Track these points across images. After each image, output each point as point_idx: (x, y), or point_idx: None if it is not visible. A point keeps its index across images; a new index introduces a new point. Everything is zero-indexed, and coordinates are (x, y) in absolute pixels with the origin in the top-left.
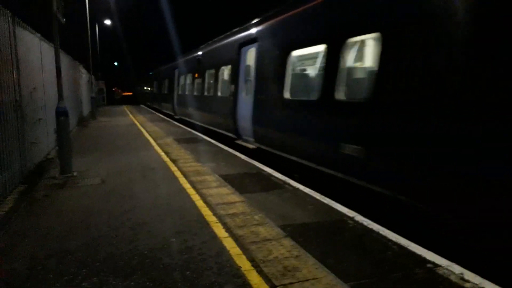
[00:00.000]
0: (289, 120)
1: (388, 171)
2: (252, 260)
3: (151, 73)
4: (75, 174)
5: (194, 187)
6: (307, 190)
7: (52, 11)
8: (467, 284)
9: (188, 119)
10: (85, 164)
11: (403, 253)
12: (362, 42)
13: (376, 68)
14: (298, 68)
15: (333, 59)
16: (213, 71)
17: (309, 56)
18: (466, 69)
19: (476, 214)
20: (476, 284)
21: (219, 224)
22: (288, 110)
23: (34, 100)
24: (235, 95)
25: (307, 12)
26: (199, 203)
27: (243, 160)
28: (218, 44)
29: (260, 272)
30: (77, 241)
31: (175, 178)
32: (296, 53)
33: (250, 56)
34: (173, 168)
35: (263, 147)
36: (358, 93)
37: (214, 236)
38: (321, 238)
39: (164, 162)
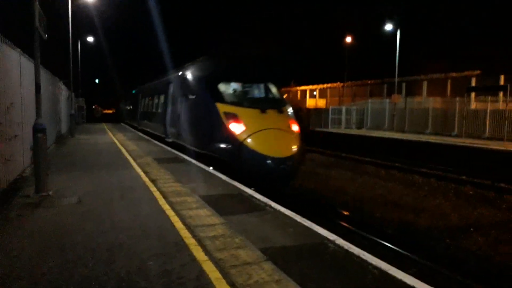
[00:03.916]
0: (182, 124)
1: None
2: (232, 284)
3: (133, 92)
4: (50, 193)
5: (173, 208)
6: (288, 212)
7: (34, 26)
8: None
9: (145, 129)
10: (62, 182)
11: (383, 278)
12: (159, 96)
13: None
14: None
15: (164, 98)
16: (156, 96)
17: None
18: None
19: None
20: None
21: (199, 247)
22: (178, 118)
23: (10, 116)
24: (164, 112)
25: (164, 82)
26: (178, 224)
27: (224, 180)
28: (160, 80)
29: None
30: (51, 263)
31: (154, 198)
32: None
33: (171, 89)
34: (153, 188)
35: (176, 141)
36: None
37: (193, 259)
38: (302, 261)
39: (143, 182)
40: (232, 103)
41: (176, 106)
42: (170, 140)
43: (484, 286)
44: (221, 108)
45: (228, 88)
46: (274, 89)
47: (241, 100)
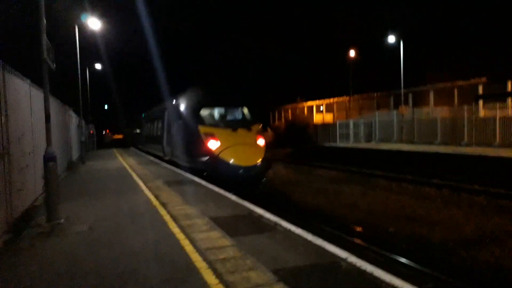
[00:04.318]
0: (175, 144)
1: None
2: None
3: (142, 116)
4: (62, 221)
5: (183, 231)
6: (298, 231)
7: (42, 58)
8: None
9: (149, 150)
10: (73, 210)
11: None
12: (158, 121)
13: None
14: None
15: (159, 123)
16: (156, 121)
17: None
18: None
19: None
20: None
21: (209, 270)
22: (172, 138)
23: (22, 146)
24: (162, 134)
25: (161, 110)
26: (189, 248)
27: (233, 201)
28: (158, 107)
29: None
30: None
31: (165, 222)
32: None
33: (166, 115)
34: (163, 212)
35: (171, 158)
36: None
37: (204, 283)
38: (314, 281)
39: (154, 206)
40: (210, 125)
41: (170, 129)
42: (167, 158)
43: None
44: (202, 129)
45: (208, 113)
46: (245, 111)
47: (218, 122)
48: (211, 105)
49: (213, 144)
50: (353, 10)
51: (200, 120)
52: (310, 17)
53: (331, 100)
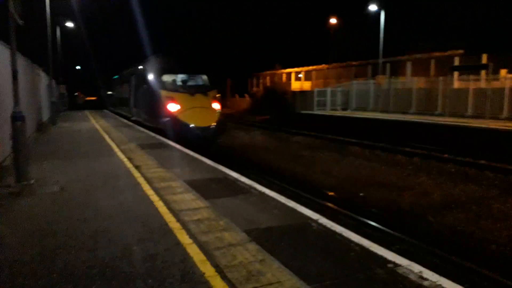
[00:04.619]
0: (140, 105)
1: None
2: (216, 266)
3: (113, 79)
4: (32, 182)
5: (157, 193)
6: (272, 194)
7: (9, 12)
8: (426, 282)
9: (119, 111)
10: (44, 171)
11: (365, 254)
12: (126, 85)
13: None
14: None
15: (128, 86)
16: (125, 84)
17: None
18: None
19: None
20: (434, 282)
21: (183, 231)
22: (138, 101)
23: None
24: (129, 97)
25: (130, 74)
26: (163, 209)
27: (209, 165)
28: (127, 71)
29: (224, 277)
30: (32, 251)
31: (138, 184)
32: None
33: (133, 79)
34: (137, 174)
35: (137, 119)
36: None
37: (178, 243)
38: (286, 241)
39: (127, 169)
40: (171, 90)
41: (136, 92)
42: (134, 118)
43: (463, 260)
44: (163, 93)
45: (169, 79)
46: (204, 78)
47: (178, 87)
48: (173, 72)
49: (173, 107)
50: None
51: (162, 85)
52: None
53: (310, 67)
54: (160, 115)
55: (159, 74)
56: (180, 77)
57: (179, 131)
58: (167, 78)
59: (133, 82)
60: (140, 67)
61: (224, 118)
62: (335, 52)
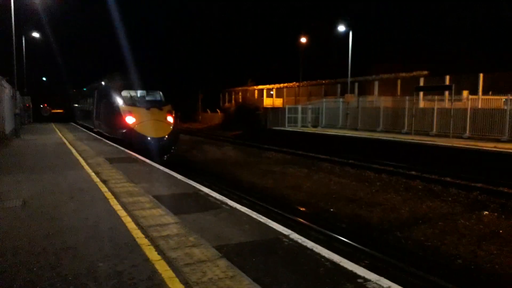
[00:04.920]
0: (101, 118)
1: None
2: (185, 282)
3: (81, 90)
4: None
5: (125, 208)
6: (244, 209)
7: None
8: None
9: (83, 123)
10: (5, 185)
11: (335, 269)
12: (90, 98)
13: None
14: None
15: (92, 100)
16: (89, 98)
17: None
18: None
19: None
20: None
21: (151, 247)
22: (99, 113)
23: None
24: (92, 110)
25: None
26: (131, 225)
27: (179, 180)
28: (91, 86)
29: None
30: None
31: (105, 199)
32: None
33: (96, 94)
34: (104, 189)
35: (99, 130)
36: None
37: (146, 259)
38: (257, 257)
39: (94, 183)
40: (129, 104)
41: (98, 106)
42: (96, 130)
43: (430, 275)
44: (122, 108)
45: (128, 94)
46: (159, 94)
47: (135, 102)
48: (131, 88)
49: (130, 119)
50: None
51: (121, 100)
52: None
53: (282, 85)
54: (119, 127)
55: (119, 89)
56: (137, 93)
57: (135, 141)
58: (125, 93)
59: (96, 96)
60: (102, 82)
61: (178, 129)
62: (305, 70)
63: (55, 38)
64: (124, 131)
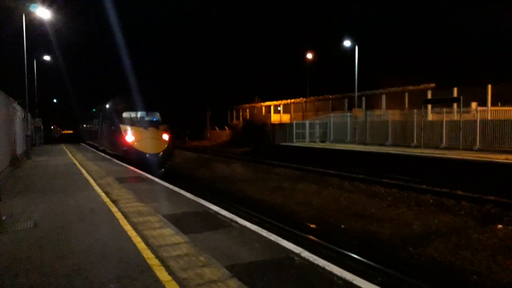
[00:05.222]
0: (105, 137)
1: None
2: None
3: (92, 111)
4: (4, 218)
5: (135, 228)
6: (254, 227)
7: None
8: None
9: (90, 142)
10: (17, 207)
11: None
12: (96, 119)
13: (98, 123)
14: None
15: (98, 121)
16: (95, 119)
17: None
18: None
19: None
20: None
21: (162, 267)
22: (104, 133)
23: None
24: (98, 130)
25: (99, 110)
26: (141, 245)
27: (188, 198)
28: (97, 108)
29: None
30: None
31: (115, 219)
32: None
33: (101, 115)
34: (114, 209)
35: (104, 148)
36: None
37: (157, 280)
38: (268, 276)
39: (104, 203)
40: (129, 124)
41: (103, 126)
42: (101, 148)
43: None
44: (122, 127)
45: (128, 115)
46: (157, 114)
47: (134, 122)
48: (132, 109)
49: (129, 138)
50: (312, 14)
51: (122, 121)
52: (269, 19)
53: (289, 101)
54: (120, 144)
55: (120, 111)
56: (137, 114)
57: (134, 157)
58: (126, 114)
59: (100, 117)
60: (106, 105)
61: (173, 146)
62: (312, 86)
63: (64, 60)
64: (124, 148)
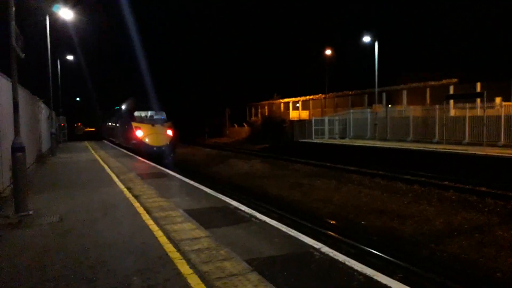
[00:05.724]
0: (121, 133)
1: (118, 139)
2: None
3: (116, 108)
4: (31, 212)
5: (157, 223)
6: (273, 222)
7: (11, 45)
8: None
9: (110, 138)
10: (43, 202)
11: (369, 283)
12: (114, 117)
13: (115, 120)
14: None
15: (115, 119)
16: (113, 117)
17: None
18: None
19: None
20: None
21: (183, 261)
22: (119, 129)
23: None
24: (116, 127)
25: (116, 110)
26: (162, 239)
27: (208, 193)
28: (115, 107)
29: None
30: (31, 282)
31: (138, 214)
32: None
33: (117, 113)
34: (136, 204)
35: (119, 142)
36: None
37: (178, 273)
38: (288, 271)
39: (127, 198)
40: (139, 122)
41: (119, 123)
42: (117, 142)
43: None
44: (134, 124)
45: (138, 114)
46: (163, 113)
47: (143, 120)
48: (141, 109)
49: (139, 133)
50: (330, 9)
51: (133, 119)
52: (287, 16)
53: (307, 97)
54: (131, 138)
55: (132, 110)
56: (147, 113)
57: (143, 149)
58: (137, 113)
59: (116, 115)
60: (122, 106)
61: (176, 140)
62: (331, 82)
63: (88, 58)
64: (135, 142)
